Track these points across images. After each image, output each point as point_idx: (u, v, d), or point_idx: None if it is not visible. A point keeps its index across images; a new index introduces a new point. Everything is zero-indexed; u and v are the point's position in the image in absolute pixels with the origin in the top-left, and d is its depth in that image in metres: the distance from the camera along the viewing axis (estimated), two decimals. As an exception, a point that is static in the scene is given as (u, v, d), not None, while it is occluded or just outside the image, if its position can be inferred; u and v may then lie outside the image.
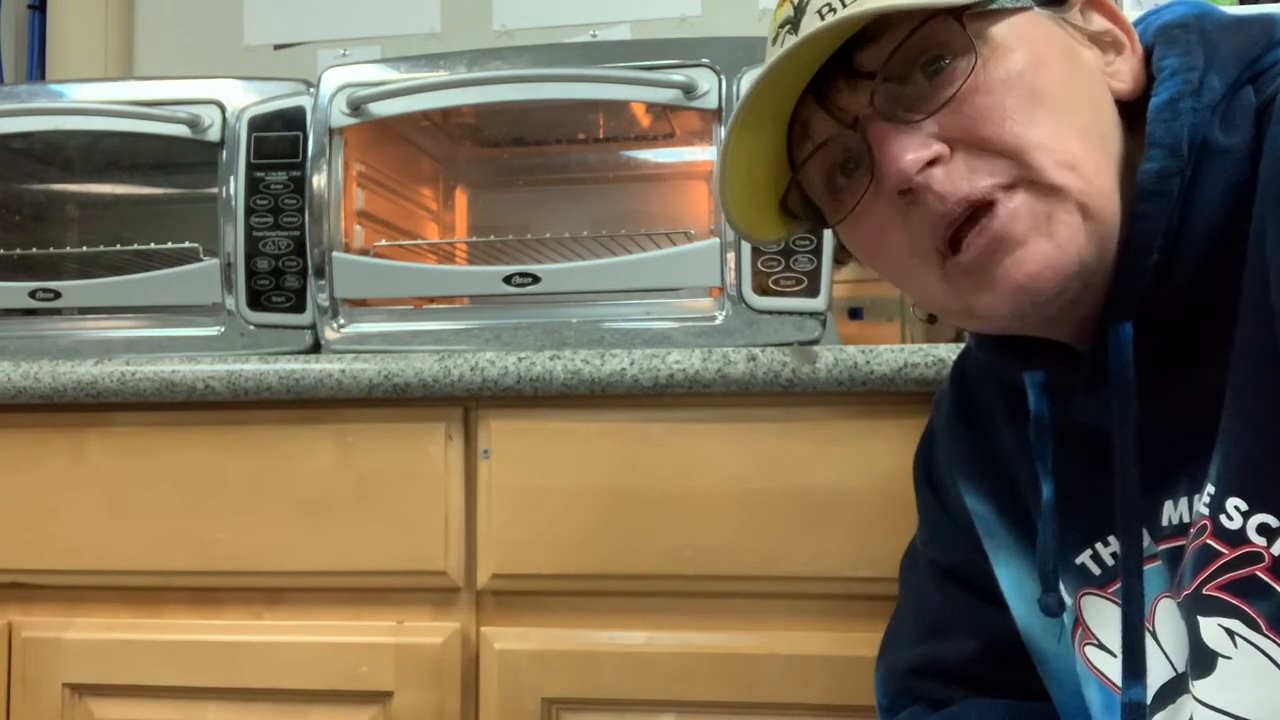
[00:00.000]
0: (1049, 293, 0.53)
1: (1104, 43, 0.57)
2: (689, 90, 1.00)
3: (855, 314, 1.38)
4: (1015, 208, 0.52)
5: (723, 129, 1.00)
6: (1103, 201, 0.52)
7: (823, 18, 0.53)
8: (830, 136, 0.57)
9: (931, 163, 0.52)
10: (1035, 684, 0.67)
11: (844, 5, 0.53)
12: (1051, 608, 0.62)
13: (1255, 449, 0.51)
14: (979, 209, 0.52)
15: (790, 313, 0.98)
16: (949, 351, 0.89)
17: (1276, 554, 0.50)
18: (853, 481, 0.93)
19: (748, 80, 0.99)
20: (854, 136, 0.56)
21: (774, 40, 0.58)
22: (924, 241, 0.55)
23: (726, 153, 0.58)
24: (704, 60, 1.01)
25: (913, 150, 0.52)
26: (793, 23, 0.55)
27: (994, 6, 0.53)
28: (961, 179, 0.53)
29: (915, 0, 0.51)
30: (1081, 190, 0.52)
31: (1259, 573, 0.51)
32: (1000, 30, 0.53)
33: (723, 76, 1.00)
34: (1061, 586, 0.63)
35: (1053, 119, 0.52)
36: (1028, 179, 0.52)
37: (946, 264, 0.55)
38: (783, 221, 0.63)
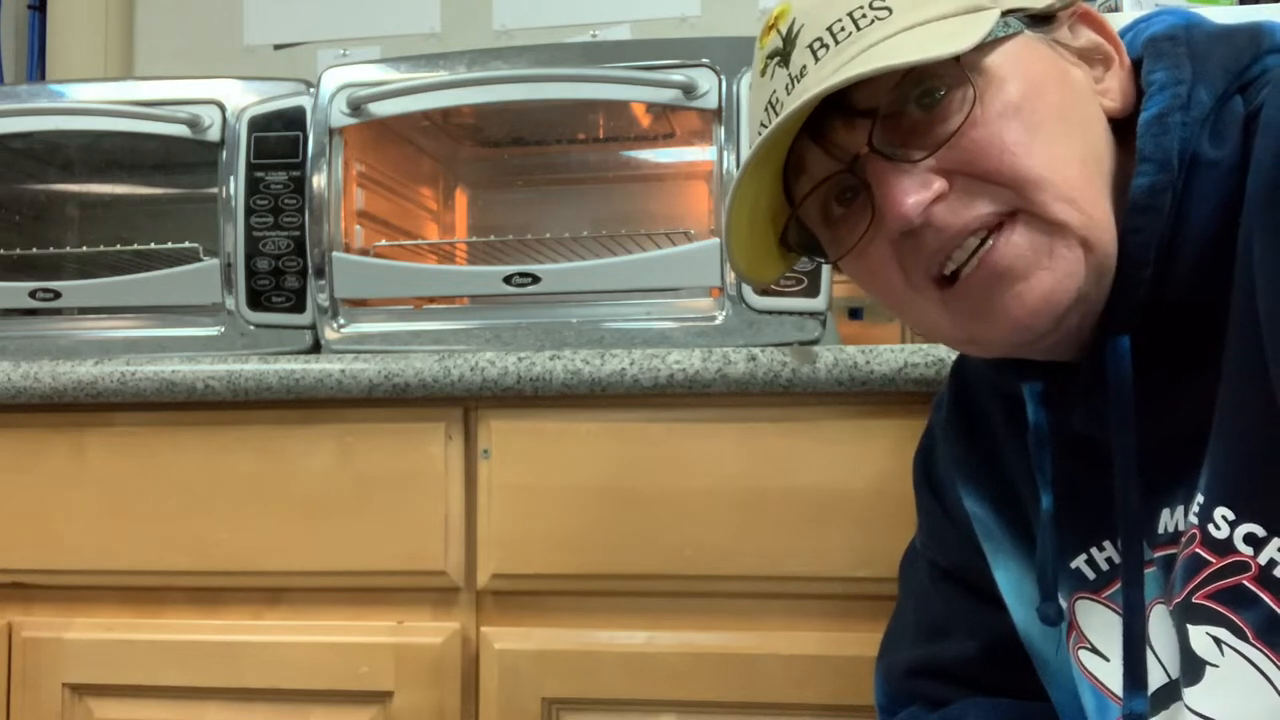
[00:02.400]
0: (1046, 326, 0.53)
1: (1093, 59, 0.57)
2: (689, 90, 1.00)
3: (855, 314, 1.38)
4: (1017, 241, 0.52)
5: (722, 129, 1.00)
6: (1101, 233, 0.53)
7: (814, 54, 0.53)
8: (828, 175, 0.57)
9: (933, 201, 0.53)
10: (1034, 684, 0.67)
11: (836, 43, 0.52)
12: (1050, 617, 0.62)
13: (1243, 459, 0.51)
14: (982, 234, 0.53)
15: (790, 313, 0.98)
16: (949, 352, 0.89)
17: (1263, 563, 0.50)
18: (853, 481, 0.93)
19: (748, 83, 0.99)
20: (852, 177, 0.56)
21: (762, 71, 0.57)
22: (920, 272, 0.55)
23: (732, 201, 0.58)
24: (704, 60, 1.01)
25: (914, 193, 0.52)
26: (782, 55, 0.55)
27: (989, 39, 0.52)
28: (962, 208, 0.53)
29: (910, 57, 0.50)
30: (1083, 224, 0.52)
31: (1246, 582, 0.51)
32: (994, 61, 0.53)
33: (723, 76, 1.00)
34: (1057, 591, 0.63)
35: (1050, 148, 0.52)
36: (1028, 211, 0.52)
37: (945, 293, 0.55)
38: (782, 257, 0.63)
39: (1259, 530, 0.50)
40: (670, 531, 0.95)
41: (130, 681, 1.01)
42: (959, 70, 0.52)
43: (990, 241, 0.53)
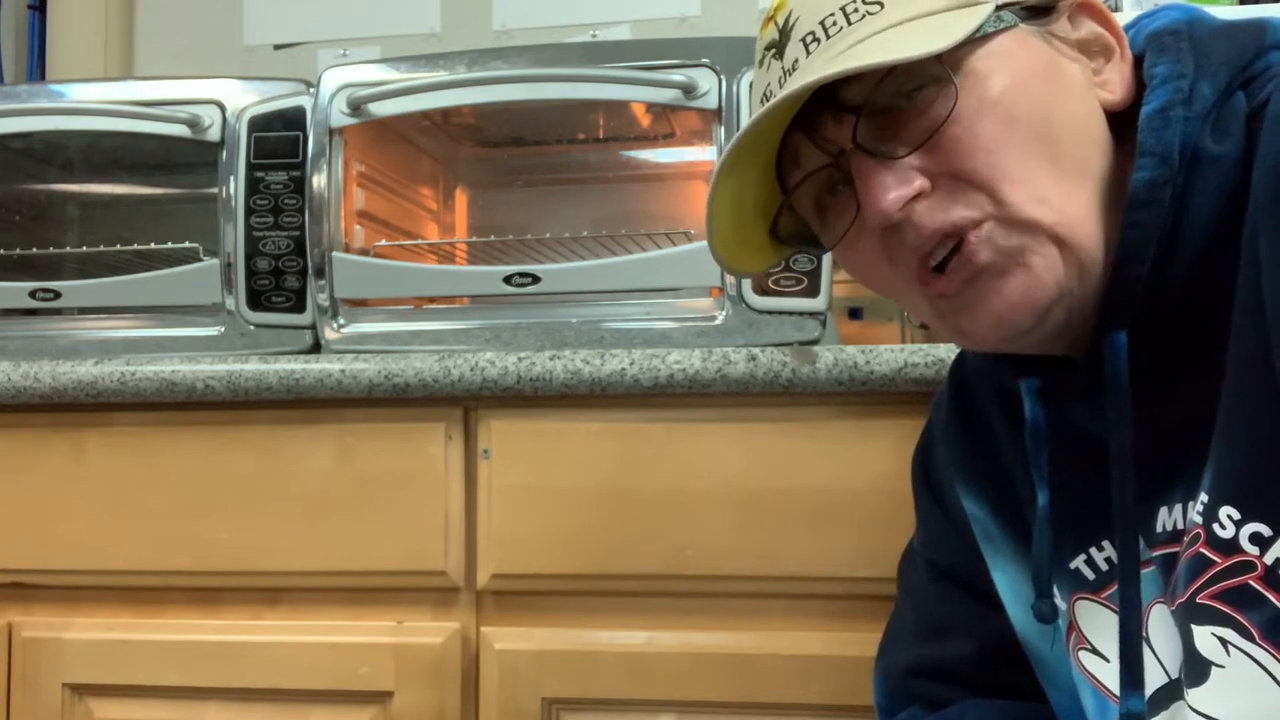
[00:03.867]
0: (1027, 324, 0.54)
1: (1093, 50, 0.57)
2: (689, 90, 1.00)
3: (855, 314, 1.38)
4: (987, 239, 0.53)
5: (722, 129, 1.00)
6: (1077, 230, 0.53)
7: (806, 47, 0.54)
8: (817, 168, 0.57)
9: (915, 197, 0.53)
10: (1032, 685, 0.67)
11: (827, 37, 0.53)
12: (1046, 615, 0.62)
13: (1247, 457, 0.51)
14: (955, 239, 0.53)
15: (790, 313, 0.98)
16: (949, 351, 0.89)
17: (1269, 563, 0.50)
18: (852, 481, 0.93)
19: (747, 83, 0.99)
20: (838, 172, 0.56)
21: (760, 63, 0.58)
22: (906, 270, 0.56)
23: (716, 187, 0.58)
24: (704, 60, 1.01)
25: (894, 189, 0.53)
26: (777, 47, 0.56)
27: (977, 35, 0.53)
28: (940, 212, 0.53)
29: (889, 56, 0.51)
30: (1055, 223, 0.52)
31: (1251, 582, 0.51)
32: (981, 57, 0.53)
33: (723, 76, 1.00)
34: (1055, 591, 0.63)
35: (1027, 146, 0.53)
36: (999, 215, 0.52)
37: (929, 288, 0.55)
38: (772, 248, 0.64)
39: (1265, 530, 0.50)
40: (670, 531, 0.95)
41: (130, 681, 1.00)
42: (942, 68, 0.52)
43: (964, 243, 0.53)
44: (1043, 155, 0.53)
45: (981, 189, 0.52)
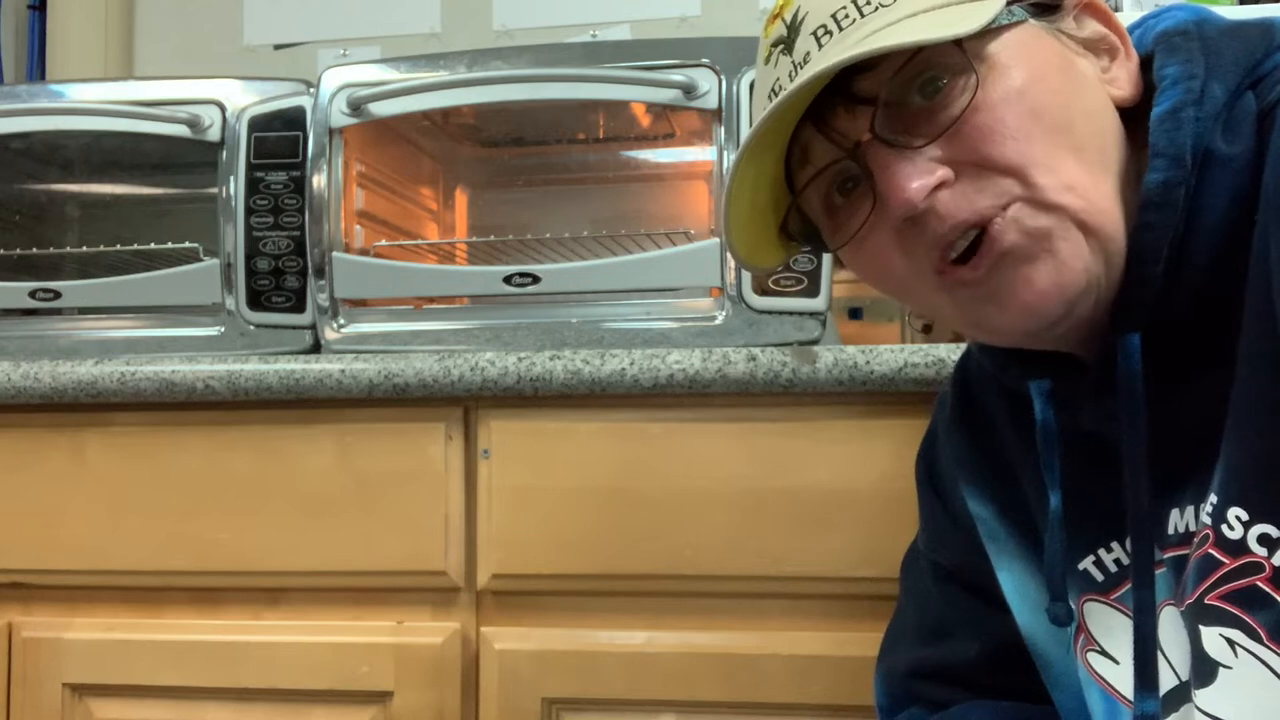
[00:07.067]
0: (1058, 311, 0.53)
1: (1099, 49, 0.57)
2: (689, 90, 1.00)
3: (855, 314, 1.38)
4: (1014, 220, 0.52)
5: (722, 129, 1.00)
6: (1103, 218, 0.52)
7: (818, 40, 0.53)
8: (830, 162, 0.56)
9: (936, 187, 0.52)
10: (1037, 687, 0.67)
11: (840, 29, 0.53)
12: (1060, 618, 0.62)
13: (1257, 459, 0.51)
14: (980, 228, 0.52)
15: (790, 313, 0.98)
16: (949, 351, 0.89)
17: (1277, 564, 0.50)
18: (853, 481, 0.93)
19: (748, 83, 0.99)
20: (854, 164, 0.55)
21: (766, 60, 0.57)
22: (924, 263, 0.55)
23: (732, 185, 0.57)
24: (704, 60, 1.01)
25: (917, 178, 0.52)
26: (786, 43, 0.55)
27: (994, 25, 0.52)
28: (965, 201, 0.52)
29: (916, 37, 0.50)
30: (1081, 209, 0.52)
31: (1260, 583, 0.51)
32: (997, 48, 0.53)
33: (723, 76, 1.00)
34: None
35: (1052, 136, 0.52)
36: (1028, 197, 0.52)
37: (949, 279, 0.54)
38: (783, 245, 0.63)
39: (1273, 531, 0.50)
40: (670, 531, 0.95)
41: (130, 681, 1.01)
42: (962, 57, 0.52)
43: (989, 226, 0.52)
44: (1067, 145, 0.52)
45: (1009, 174, 0.52)
